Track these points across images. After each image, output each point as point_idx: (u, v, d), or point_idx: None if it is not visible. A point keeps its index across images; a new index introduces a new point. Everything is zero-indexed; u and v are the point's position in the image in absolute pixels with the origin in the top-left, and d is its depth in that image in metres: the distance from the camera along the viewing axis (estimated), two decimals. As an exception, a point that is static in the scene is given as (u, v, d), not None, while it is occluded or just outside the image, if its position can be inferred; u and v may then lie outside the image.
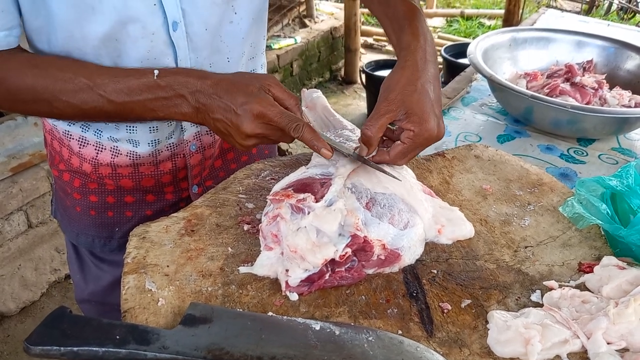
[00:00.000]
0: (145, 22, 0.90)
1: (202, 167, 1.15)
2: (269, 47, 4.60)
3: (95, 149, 1.06)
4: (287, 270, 0.76)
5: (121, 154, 1.05)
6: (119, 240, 1.16)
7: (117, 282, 1.14)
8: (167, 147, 1.07)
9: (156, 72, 0.86)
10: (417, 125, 0.84)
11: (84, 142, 1.06)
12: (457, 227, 0.89)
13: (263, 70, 1.24)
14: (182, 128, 1.06)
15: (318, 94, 1.15)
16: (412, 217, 0.85)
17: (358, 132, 1.06)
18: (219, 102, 0.83)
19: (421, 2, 7.61)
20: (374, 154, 0.88)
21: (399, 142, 0.86)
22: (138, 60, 0.93)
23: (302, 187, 0.83)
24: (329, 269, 0.77)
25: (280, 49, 4.65)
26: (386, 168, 0.88)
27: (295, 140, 0.84)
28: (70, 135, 1.06)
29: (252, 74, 0.90)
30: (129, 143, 1.05)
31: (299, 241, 0.75)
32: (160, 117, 0.89)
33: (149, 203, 1.15)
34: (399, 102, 0.84)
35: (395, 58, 0.95)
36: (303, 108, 1.15)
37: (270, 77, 0.87)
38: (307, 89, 1.17)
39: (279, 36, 4.88)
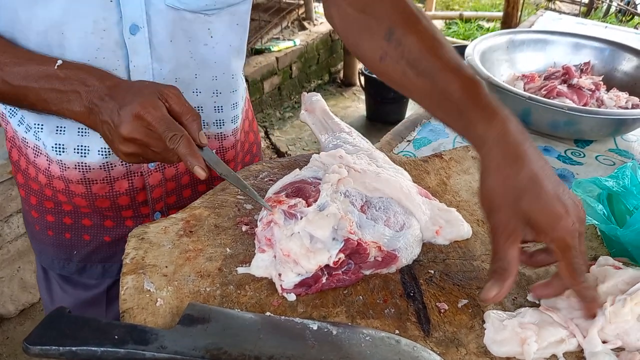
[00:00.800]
0: (97, 17, 0.84)
1: (165, 191, 1.06)
2: (268, 50, 4.61)
3: (47, 160, 0.99)
4: (279, 275, 0.77)
5: (69, 167, 0.98)
6: (78, 264, 1.12)
7: (82, 305, 1.14)
8: (120, 161, 0.98)
9: (59, 62, 0.81)
10: (552, 232, 0.67)
11: (38, 151, 1.00)
12: (455, 228, 0.90)
13: (239, 99, 1.11)
14: None
15: (317, 97, 1.15)
16: (408, 218, 0.86)
17: (355, 134, 1.06)
18: (108, 104, 0.77)
19: (420, 5, 7.65)
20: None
21: (558, 262, 0.70)
22: (84, 57, 0.86)
23: (295, 191, 0.83)
24: (325, 272, 0.78)
25: (279, 51, 4.66)
26: None
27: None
28: (27, 142, 1.00)
29: (156, 82, 0.82)
30: (77, 153, 0.96)
31: (293, 246, 0.76)
32: (52, 110, 0.82)
33: (108, 229, 1.08)
34: (513, 220, 0.68)
35: None
36: (303, 111, 1.15)
37: (172, 88, 0.80)
38: (307, 93, 1.17)
39: (278, 39, 4.89)
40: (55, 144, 0.96)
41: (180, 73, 0.96)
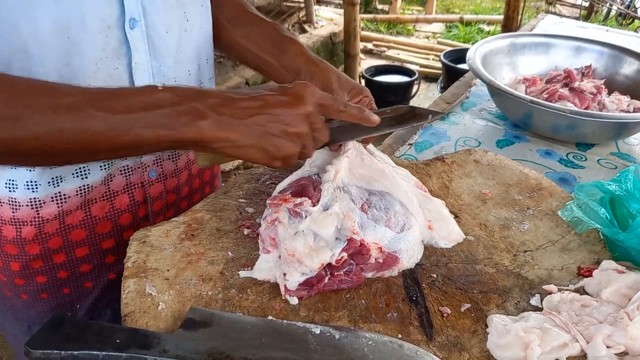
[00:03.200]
0: (103, 14, 0.79)
1: (165, 204, 1.02)
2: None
3: (32, 205, 0.88)
4: (284, 274, 0.76)
5: (69, 197, 0.89)
6: (85, 318, 1.01)
7: None
8: (120, 171, 0.93)
9: (160, 86, 0.73)
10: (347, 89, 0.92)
11: (16, 204, 0.88)
12: (442, 224, 0.91)
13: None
14: None
15: None
16: (408, 219, 0.86)
17: None
18: (249, 98, 0.74)
19: (420, 8, 7.66)
20: None
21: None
22: (91, 61, 0.80)
23: (300, 190, 0.83)
24: (328, 272, 0.78)
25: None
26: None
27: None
28: None
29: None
30: (77, 177, 0.89)
31: (297, 245, 0.76)
32: (168, 135, 0.70)
33: (110, 266, 1.00)
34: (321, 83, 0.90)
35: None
36: None
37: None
38: None
39: (278, 41, 4.88)
40: (53, 179, 0.87)
41: (177, 71, 0.93)
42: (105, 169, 0.91)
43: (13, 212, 0.88)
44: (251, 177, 1.03)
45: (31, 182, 0.86)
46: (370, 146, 0.97)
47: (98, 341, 0.62)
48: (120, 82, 0.85)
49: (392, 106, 0.88)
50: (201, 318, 0.69)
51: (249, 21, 1.03)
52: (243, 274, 0.80)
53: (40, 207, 0.88)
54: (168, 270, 0.79)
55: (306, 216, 0.78)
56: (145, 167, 0.96)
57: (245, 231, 0.89)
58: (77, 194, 0.90)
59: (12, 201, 0.88)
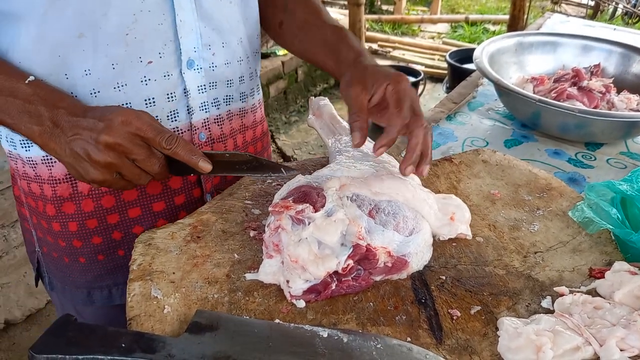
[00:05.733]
0: None
1: None
2: (273, 54, 4.61)
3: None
4: (287, 281, 0.75)
5: None
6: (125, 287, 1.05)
7: None
8: None
9: (31, 78, 0.79)
10: (385, 80, 0.86)
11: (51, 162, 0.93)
12: (463, 211, 0.90)
13: (259, 74, 1.15)
14: (188, 108, 0.96)
15: (325, 101, 1.15)
16: (417, 223, 0.84)
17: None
18: (83, 121, 0.75)
19: (425, 8, 7.64)
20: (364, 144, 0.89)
21: (390, 99, 0.86)
22: (130, 13, 0.83)
23: (302, 196, 0.82)
24: (335, 279, 0.76)
25: (285, 55, 4.66)
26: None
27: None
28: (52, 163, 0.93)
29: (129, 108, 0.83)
30: None
31: (301, 252, 0.74)
32: (7, 123, 0.79)
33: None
34: (363, 80, 0.88)
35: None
36: (310, 116, 1.15)
37: (146, 113, 0.79)
38: (315, 97, 1.17)
39: (283, 43, 4.88)
40: None
41: (224, 35, 0.96)
42: None
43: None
44: (257, 179, 1.02)
45: None
46: (384, 155, 0.96)
47: (103, 345, 0.61)
48: (166, 38, 0.88)
49: (232, 151, 0.84)
50: (207, 321, 0.68)
51: (314, 28, 1.08)
52: (249, 276, 0.79)
53: None
54: (174, 273, 0.79)
55: (309, 223, 0.76)
56: (195, 130, 0.98)
57: (252, 233, 0.88)
58: None
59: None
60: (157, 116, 0.92)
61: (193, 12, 0.90)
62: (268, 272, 0.79)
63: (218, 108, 1.01)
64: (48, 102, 0.77)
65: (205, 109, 0.98)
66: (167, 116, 0.94)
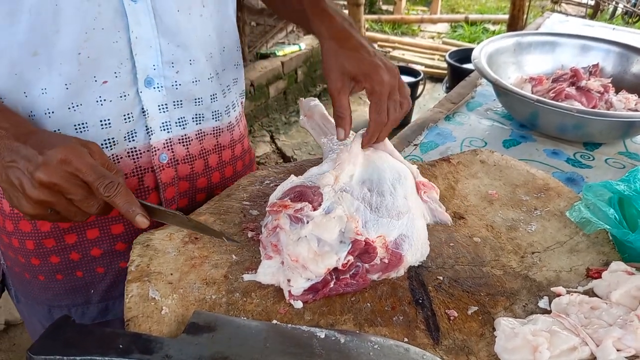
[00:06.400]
0: None
1: (178, 191, 1.00)
2: (273, 54, 4.61)
3: None
4: (289, 280, 0.76)
5: None
6: (98, 305, 1.03)
7: None
8: (127, 153, 0.92)
9: None
10: (366, 80, 0.87)
11: None
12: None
13: (238, 89, 1.10)
14: (147, 128, 0.92)
15: (315, 102, 1.15)
16: (405, 203, 0.87)
17: (353, 136, 1.05)
18: (22, 149, 0.70)
19: (425, 8, 7.64)
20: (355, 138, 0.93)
21: (370, 105, 0.89)
22: (82, 29, 0.80)
23: (299, 195, 0.82)
24: (333, 276, 0.77)
25: (284, 55, 4.66)
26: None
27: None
28: None
29: (77, 138, 0.76)
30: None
31: (301, 250, 0.75)
32: None
33: (121, 253, 0.99)
34: (341, 77, 0.88)
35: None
36: (302, 117, 1.15)
37: (93, 143, 0.76)
38: (304, 98, 1.18)
39: (283, 43, 4.89)
40: None
41: (191, 52, 0.92)
42: (107, 147, 0.89)
43: None
44: (255, 180, 1.02)
45: None
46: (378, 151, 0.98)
47: (100, 346, 0.62)
48: (121, 57, 0.85)
49: (173, 210, 0.82)
50: (205, 322, 0.68)
51: None
52: (247, 277, 0.79)
53: None
54: (171, 274, 0.79)
55: (307, 221, 0.77)
56: (155, 151, 0.94)
57: (249, 234, 0.88)
58: None
59: None
60: (113, 138, 0.89)
61: (152, 28, 0.86)
62: (267, 272, 0.79)
63: (184, 128, 0.96)
64: None
65: (167, 129, 0.94)
66: (124, 137, 0.90)
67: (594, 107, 1.43)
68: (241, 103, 1.13)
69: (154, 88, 0.90)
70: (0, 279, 1.09)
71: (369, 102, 0.89)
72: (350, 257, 0.77)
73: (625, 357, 0.68)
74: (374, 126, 0.90)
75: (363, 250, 0.78)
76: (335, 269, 0.76)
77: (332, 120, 1.10)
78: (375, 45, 6.23)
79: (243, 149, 1.14)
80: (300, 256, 0.75)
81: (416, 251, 0.83)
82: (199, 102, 0.98)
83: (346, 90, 0.89)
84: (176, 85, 0.93)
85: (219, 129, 1.04)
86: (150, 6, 0.84)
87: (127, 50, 0.85)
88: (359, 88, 0.89)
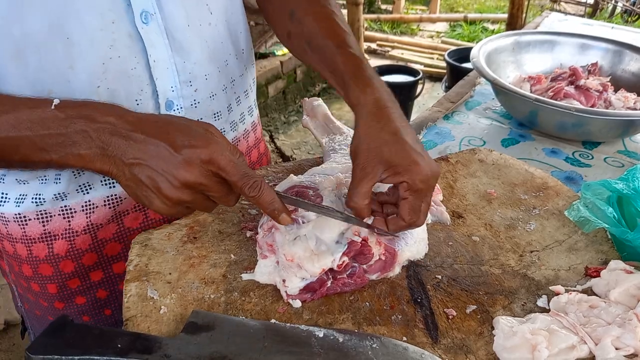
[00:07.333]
0: (103, 9, 0.74)
1: None
2: (272, 54, 4.61)
3: (63, 215, 0.87)
4: (284, 281, 0.76)
5: (97, 206, 0.88)
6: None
7: None
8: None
9: (56, 101, 0.67)
10: (406, 173, 0.72)
11: (46, 215, 0.86)
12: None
13: (253, 95, 1.07)
14: None
15: (319, 102, 1.15)
16: None
17: None
18: (142, 143, 0.66)
19: (424, 7, 7.64)
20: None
21: (402, 200, 0.75)
22: (98, 59, 0.76)
23: (296, 196, 0.82)
24: (330, 276, 0.77)
25: (283, 55, 4.65)
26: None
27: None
28: (5, 217, 0.86)
29: (186, 117, 0.73)
30: (104, 185, 0.87)
31: (297, 249, 0.75)
32: (52, 160, 0.68)
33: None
34: (372, 162, 0.73)
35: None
36: (305, 116, 1.15)
37: (210, 125, 0.71)
38: (308, 98, 1.17)
39: (282, 42, 4.88)
40: (57, 193, 0.85)
41: (205, 66, 0.88)
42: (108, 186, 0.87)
43: (43, 225, 0.86)
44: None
45: (59, 193, 0.85)
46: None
47: (99, 346, 0.62)
48: (141, 83, 0.82)
49: (296, 197, 0.78)
50: (203, 322, 0.68)
51: (327, 49, 0.88)
52: (245, 276, 0.79)
53: (72, 217, 0.87)
54: (170, 273, 0.79)
55: (303, 222, 0.77)
56: None
57: (248, 233, 0.88)
58: (105, 204, 0.88)
59: (41, 214, 0.86)
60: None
61: (167, 48, 0.83)
62: (264, 272, 0.79)
63: None
64: (86, 120, 0.67)
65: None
66: None
67: (592, 106, 1.43)
68: (256, 105, 1.11)
69: (174, 110, 0.88)
70: (20, 321, 1.07)
71: (402, 196, 0.75)
72: (346, 258, 0.76)
73: (624, 356, 0.68)
74: (403, 226, 0.77)
75: (358, 252, 0.78)
76: (331, 269, 0.76)
77: (335, 121, 1.11)
78: (374, 45, 6.24)
79: (259, 153, 1.13)
80: (295, 255, 0.75)
81: (411, 246, 0.83)
82: (217, 116, 0.96)
83: (373, 178, 0.73)
84: (195, 103, 0.91)
85: (236, 139, 1.04)
86: (162, 26, 0.81)
87: (145, 75, 0.82)
88: (395, 180, 0.74)
